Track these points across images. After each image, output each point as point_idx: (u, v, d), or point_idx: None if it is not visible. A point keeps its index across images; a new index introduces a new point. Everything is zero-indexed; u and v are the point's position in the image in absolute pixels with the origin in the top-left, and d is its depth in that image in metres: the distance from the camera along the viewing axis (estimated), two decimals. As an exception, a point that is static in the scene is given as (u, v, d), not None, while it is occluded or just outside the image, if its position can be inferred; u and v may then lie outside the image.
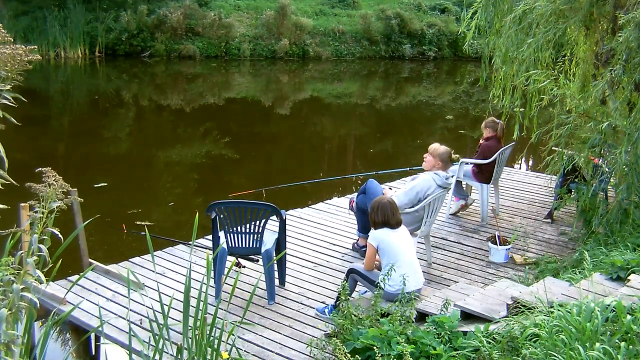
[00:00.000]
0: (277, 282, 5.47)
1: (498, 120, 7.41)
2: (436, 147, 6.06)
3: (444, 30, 26.06)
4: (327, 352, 4.08)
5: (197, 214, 3.54)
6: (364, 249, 6.09)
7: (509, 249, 6.23)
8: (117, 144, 13.58)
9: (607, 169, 5.94)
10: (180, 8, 23.16)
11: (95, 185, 9.61)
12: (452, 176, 6.20)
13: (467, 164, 7.44)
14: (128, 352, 3.56)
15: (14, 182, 2.44)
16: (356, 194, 6.56)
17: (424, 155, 6.13)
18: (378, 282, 4.71)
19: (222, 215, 5.16)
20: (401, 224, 5.04)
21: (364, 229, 6.19)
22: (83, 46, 22.60)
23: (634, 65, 5.51)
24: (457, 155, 6.04)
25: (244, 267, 5.83)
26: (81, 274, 5.51)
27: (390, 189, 6.66)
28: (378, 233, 4.94)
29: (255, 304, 5.13)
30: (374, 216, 4.98)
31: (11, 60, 2.33)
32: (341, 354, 3.62)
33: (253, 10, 25.52)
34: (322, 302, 5.24)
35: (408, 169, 8.31)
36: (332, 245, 6.56)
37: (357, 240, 6.38)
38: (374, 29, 25.18)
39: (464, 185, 7.94)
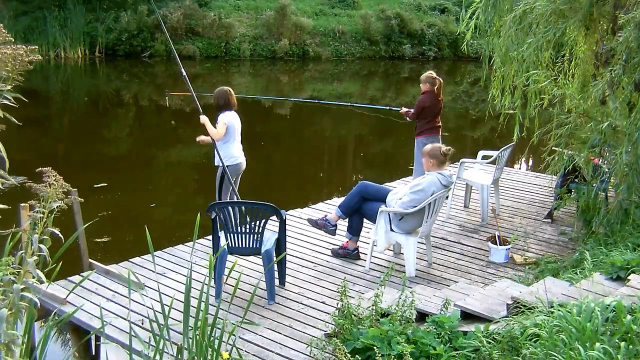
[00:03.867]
0: (277, 282, 5.47)
1: (437, 76, 7.68)
2: (426, 148, 6.06)
3: (444, 30, 26.07)
4: (327, 352, 4.08)
5: (199, 214, 3.54)
6: (355, 252, 6.19)
7: (509, 249, 6.23)
8: (117, 144, 13.59)
9: (607, 169, 5.94)
10: (180, 8, 23.18)
11: (95, 186, 9.61)
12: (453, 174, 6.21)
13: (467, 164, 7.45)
14: (128, 352, 3.56)
15: (14, 182, 2.44)
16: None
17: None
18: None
19: (222, 215, 5.16)
20: (235, 107, 6.51)
21: (355, 231, 6.23)
22: (83, 46, 22.62)
23: (633, 65, 5.51)
24: (449, 148, 6.01)
25: None
26: (82, 274, 5.53)
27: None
28: (229, 114, 6.43)
29: (255, 304, 5.13)
30: (217, 101, 6.49)
31: (12, 61, 2.33)
32: (341, 354, 3.62)
33: (253, 10, 25.54)
34: (322, 302, 5.25)
35: (388, 107, 9.25)
36: (332, 245, 6.55)
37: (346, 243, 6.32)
38: (374, 29, 25.19)
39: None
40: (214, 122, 6.48)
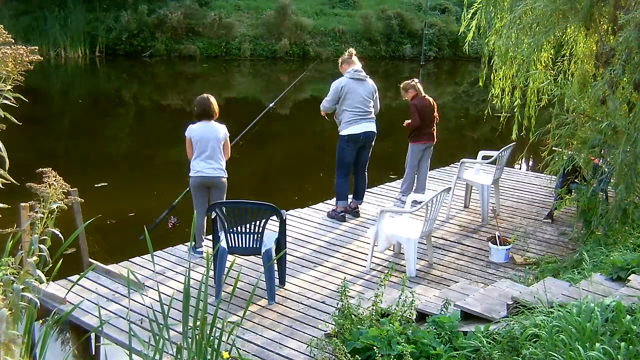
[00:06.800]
0: (277, 282, 5.47)
1: (416, 80, 7.95)
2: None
3: (444, 30, 26.07)
4: (327, 352, 4.08)
5: (196, 213, 3.54)
6: (341, 214, 7.28)
7: (509, 249, 6.23)
8: (117, 144, 13.58)
9: (606, 169, 5.94)
10: (180, 8, 23.18)
11: (96, 185, 9.61)
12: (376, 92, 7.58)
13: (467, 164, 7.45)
14: (128, 351, 3.56)
15: (14, 181, 2.45)
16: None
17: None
18: None
19: (222, 215, 5.16)
20: (216, 116, 5.97)
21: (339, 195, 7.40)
22: (83, 46, 22.63)
23: (633, 66, 5.51)
24: (352, 50, 7.60)
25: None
26: (81, 273, 5.52)
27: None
28: (194, 127, 5.92)
29: (255, 304, 5.13)
30: (195, 109, 5.96)
31: (12, 61, 2.33)
32: (341, 354, 3.62)
33: (253, 10, 25.55)
34: (322, 302, 5.25)
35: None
36: (332, 245, 6.56)
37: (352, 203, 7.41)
38: (374, 28, 25.21)
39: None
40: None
